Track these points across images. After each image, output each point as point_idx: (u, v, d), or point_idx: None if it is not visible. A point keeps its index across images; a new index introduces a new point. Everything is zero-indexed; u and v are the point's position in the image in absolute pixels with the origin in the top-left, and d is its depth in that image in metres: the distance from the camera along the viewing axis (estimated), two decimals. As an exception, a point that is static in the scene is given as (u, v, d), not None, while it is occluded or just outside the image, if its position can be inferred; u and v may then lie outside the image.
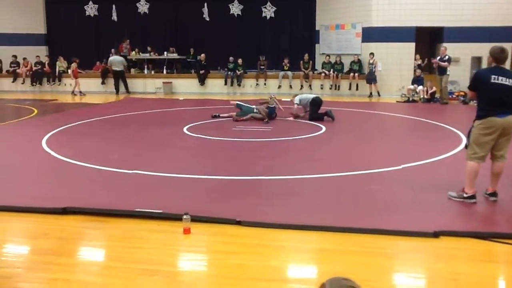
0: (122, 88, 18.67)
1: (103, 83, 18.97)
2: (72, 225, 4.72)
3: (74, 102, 16.25)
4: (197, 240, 4.38)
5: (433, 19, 16.32)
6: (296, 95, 12.29)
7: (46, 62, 19.84)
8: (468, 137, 5.32)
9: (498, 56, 5.13)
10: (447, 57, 14.83)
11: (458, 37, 16.00)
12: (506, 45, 14.91)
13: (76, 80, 18.21)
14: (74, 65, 18.23)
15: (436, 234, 4.34)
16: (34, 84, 19.45)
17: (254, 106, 11.73)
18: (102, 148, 8.37)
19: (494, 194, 5.30)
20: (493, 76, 5.01)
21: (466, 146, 5.38)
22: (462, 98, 15.34)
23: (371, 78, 16.73)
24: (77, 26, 21.38)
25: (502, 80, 4.99)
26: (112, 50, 19.57)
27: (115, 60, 18.57)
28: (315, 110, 11.63)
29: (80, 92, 18.15)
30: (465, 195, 5.22)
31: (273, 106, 11.63)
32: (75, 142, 8.93)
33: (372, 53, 16.55)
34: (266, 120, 11.21)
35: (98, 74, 19.19)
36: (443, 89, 15.07)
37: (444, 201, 5.29)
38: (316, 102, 11.73)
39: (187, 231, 4.43)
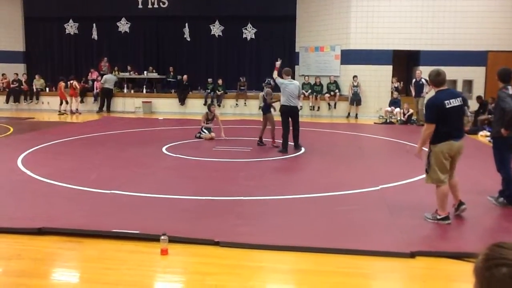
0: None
1: (81, 101, 18.83)
2: (47, 246, 4.63)
3: (51, 120, 16.05)
4: (174, 261, 4.34)
5: (409, 42, 16.71)
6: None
7: (24, 80, 19.63)
8: (428, 162, 5.35)
9: (435, 80, 5.34)
10: (422, 80, 15.14)
11: (434, 61, 16.33)
12: (479, 69, 15.38)
13: (75, 98, 17.98)
14: (75, 83, 17.99)
15: (412, 255, 4.39)
16: (13, 102, 19.17)
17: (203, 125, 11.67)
18: (79, 168, 8.27)
19: (461, 203, 5.44)
20: (446, 102, 5.14)
21: (426, 171, 5.42)
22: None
23: (355, 100, 16.95)
24: (57, 44, 21.28)
25: (453, 102, 5.16)
26: (91, 70, 19.57)
27: (110, 79, 18.57)
28: (284, 121, 9.88)
29: (71, 110, 17.89)
30: (438, 217, 5.31)
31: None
32: (52, 161, 8.80)
33: (355, 76, 16.82)
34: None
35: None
36: (419, 111, 15.34)
37: (421, 221, 5.36)
38: (284, 111, 9.88)
39: (164, 252, 4.39)
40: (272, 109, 10.68)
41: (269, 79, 10.98)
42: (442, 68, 16.54)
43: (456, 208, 5.48)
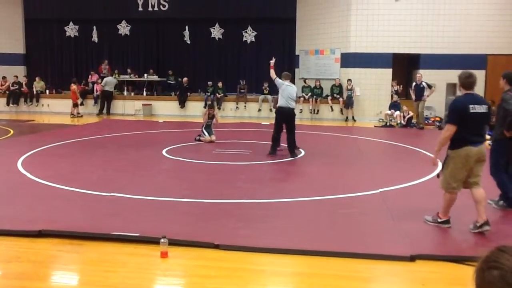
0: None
1: (82, 104, 18.83)
2: (47, 248, 4.63)
3: (51, 123, 16.04)
4: (174, 264, 4.34)
5: (409, 46, 16.73)
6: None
7: (24, 82, 19.64)
8: (443, 167, 5.20)
9: (465, 82, 5.11)
10: (423, 83, 15.11)
11: (434, 64, 16.41)
12: (478, 72, 15.29)
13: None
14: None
15: (412, 258, 4.39)
16: (12, 104, 19.18)
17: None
18: (79, 170, 8.26)
19: (487, 223, 5.06)
20: (470, 106, 4.94)
21: (438, 176, 5.31)
22: (438, 124, 15.65)
23: (349, 103, 16.99)
24: (57, 47, 21.28)
25: (477, 109, 4.96)
26: (92, 72, 19.60)
27: (111, 81, 18.61)
28: (278, 123, 9.83)
29: (72, 113, 17.97)
30: (439, 220, 5.28)
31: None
32: (52, 164, 8.80)
33: (349, 79, 16.84)
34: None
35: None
36: (419, 114, 15.34)
37: (421, 225, 5.35)
38: (281, 112, 9.78)
39: (164, 254, 4.38)
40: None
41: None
42: (441, 71, 16.41)
43: (479, 225, 5.09)
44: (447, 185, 5.16)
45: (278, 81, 9.88)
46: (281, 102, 9.80)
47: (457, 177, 5.09)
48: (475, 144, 5.02)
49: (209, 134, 11.59)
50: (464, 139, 4.99)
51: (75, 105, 17.88)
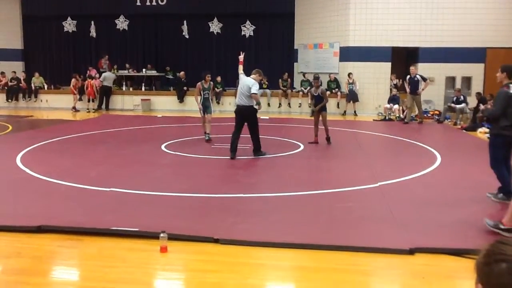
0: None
1: (80, 99, 18.80)
2: (47, 244, 4.63)
3: (50, 118, 16.02)
4: (174, 259, 4.34)
5: (408, 39, 16.69)
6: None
7: (22, 78, 19.61)
8: None
9: None
10: (417, 76, 14.92)
11: (433, 57, 16.38)
12: (477, 66, 15.05)
13: (75, 96, 18.30)
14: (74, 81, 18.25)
15: (411, 251, 4.39)
16: (10, 100, 19.15)
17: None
18: (78, 166, 8.26)
19: (510, 230, 4.81)
20: None
21: None
22: (436, 117, 15.63)
23: (352, 97, 16.91)
24: (55, 42, 21.25)
25: None
26: (90, 68, 19.54)
27: (109, 76, 18.64)
28: (235, 122, 8.99)
29: (75, 108, 18.19)
30: (502, 227, 4.94)
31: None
32: (51, 159, 8.80)
33: (350, 73, 16.79)
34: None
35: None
36: (418, 109, 15.12)
37: (420, 218, 5.36)
38: (236, 110, 9.00)
39: (164, 249, 4.39)
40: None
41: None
42: (440, 65, 16.32)
43: (501, 228, 4.87)
44: None
45: (240, 76, 9.33)
46: (236, 99, 9.10)
47: None
48: None
49: (207, 111, 11.12)
50: None
51: (93, 100, 18.25)
